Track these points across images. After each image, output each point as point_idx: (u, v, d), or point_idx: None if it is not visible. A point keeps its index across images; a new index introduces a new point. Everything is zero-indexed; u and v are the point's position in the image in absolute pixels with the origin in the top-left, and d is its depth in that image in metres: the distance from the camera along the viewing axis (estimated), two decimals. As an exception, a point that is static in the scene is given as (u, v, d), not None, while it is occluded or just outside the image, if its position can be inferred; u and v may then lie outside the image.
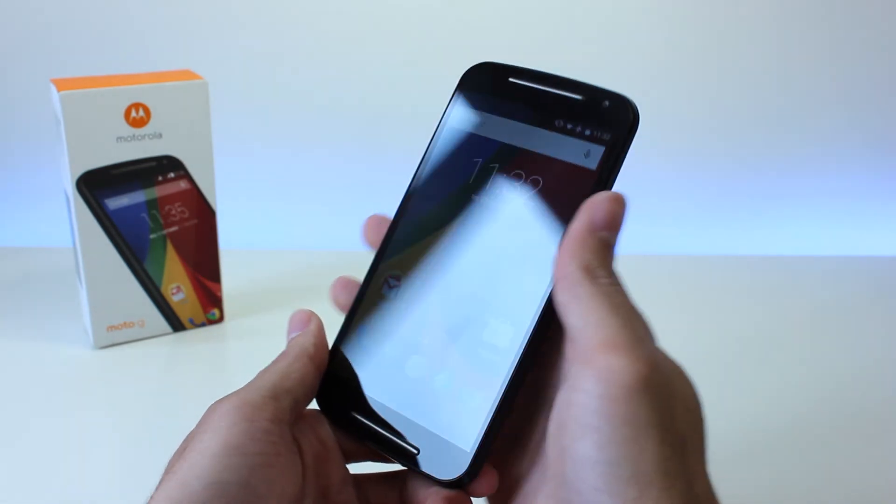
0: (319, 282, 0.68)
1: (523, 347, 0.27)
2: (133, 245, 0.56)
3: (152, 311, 0.58)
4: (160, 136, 0.54)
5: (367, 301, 0.32)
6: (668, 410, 0.24)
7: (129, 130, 0.53)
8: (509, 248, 0.29)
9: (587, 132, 0.28)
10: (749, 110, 0.75)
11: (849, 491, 0.44)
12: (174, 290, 0.58)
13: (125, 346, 0.57)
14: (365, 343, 0.31)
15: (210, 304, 0.60)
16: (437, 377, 0.29)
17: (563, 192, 0.28)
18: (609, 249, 0.28)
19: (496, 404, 0.27)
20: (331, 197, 0.78)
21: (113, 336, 0.57)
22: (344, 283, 0.33)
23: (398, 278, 0.31)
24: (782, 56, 0.73)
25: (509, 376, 0.27)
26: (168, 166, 0.55)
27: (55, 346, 0.57)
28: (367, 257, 0.34)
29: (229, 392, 0.29)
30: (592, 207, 0.27)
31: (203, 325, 0.60)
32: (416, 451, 0.29)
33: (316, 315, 0.32)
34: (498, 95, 0.31)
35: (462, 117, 0.32)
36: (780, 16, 0.72)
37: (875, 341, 0.60)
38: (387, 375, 0.30)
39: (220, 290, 0.60)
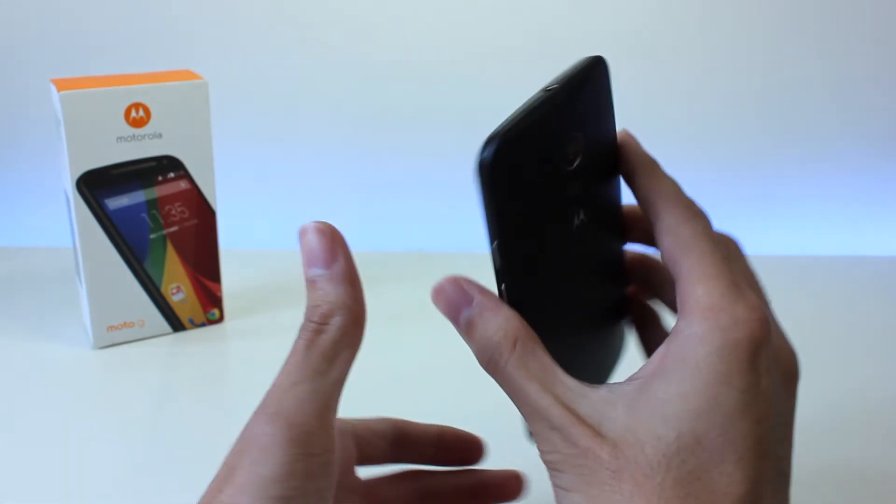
0: (319, 282, 0.68)
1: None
2: (133, 245, 0.56)
3: (152, 311, 0.58)
4: (160, 136, 0.54)
5: None
6: (587, 463, 0.24)
7: (129, 130, 0.53)
8: None
9: None
10: (749, 110, 0.75)
11: (850, 491, 0.44)
12: (174, 290, 0.58)
13: (125, 346, 0.57)
14: None
15: (210, 304, 0.60)
16: None
17: None
18: (470, 333, 0.27)
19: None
20: (331, 197, 0.78)
21: (113, 336, 0.57)
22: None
23: None
24: (785, 54, 0.73)
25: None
26: (168, 166, 0.55)
27: (55, 346, 0.57)
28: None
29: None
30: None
31: (203, 325, 0.60)
32: None
33: (341, 244, 0.28)
34: None
35: None
36: (785, 15, 0.72)
37: (877, 342, 0.60)
38: None
39: (220, 290, 0.60)
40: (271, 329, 0.60)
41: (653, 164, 0.29)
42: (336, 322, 0.27)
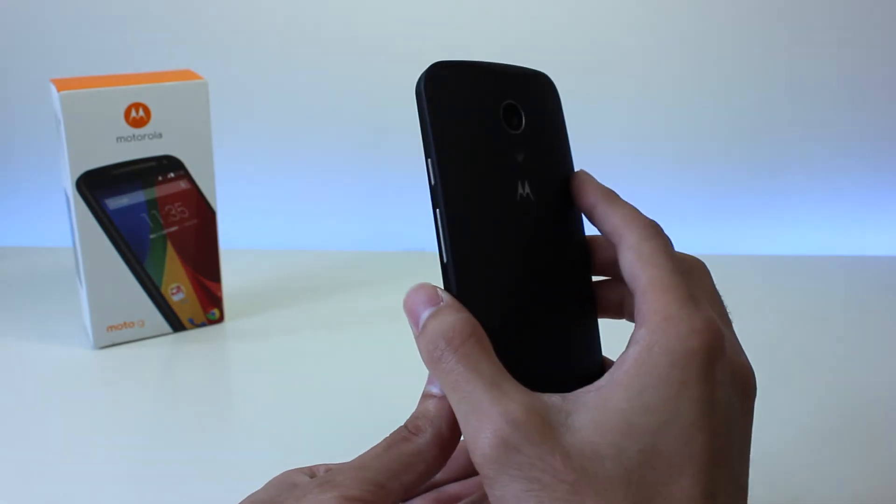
0: (319, 282, 0.68)
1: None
2: (133, 245, 0.56)
3: (152, 311, 0.58)
4: (160, 136, 0.54)
5: None
6: (537, 469, 0.23)
7: (129, 130, 0.53)
8: None
9: None
10: (749, 109, 0.75)
11: (853, 491, 0.44)
12: (174, 290, 0.58)
13: (125, 346, 0.57)
14: None
15: (210, 304, 0.60)
16: None
17: None
18: (424, 328, 0.27)
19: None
20: (331, 197, 0.78)
21: (113, 336, 0.57)
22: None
23: None
24: (788, 55, 0.73)
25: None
26: (168, 166, 0.55)
27: (55, 346, 0.57)
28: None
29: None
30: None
31: (203, 325, 0.60)
32: None
33: None
34: None
35: None
36: (789, 16, 0.72)
37: (879, 342, 0.60)
38: None
39: (220, 290, 0.60)
40: (271, 329, 0.60)
41: (612, 193, 0.30)
42: (423, 438, 0.28)
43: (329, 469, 0.29)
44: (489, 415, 0.24)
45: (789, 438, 0.48)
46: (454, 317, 0.26)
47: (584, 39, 0.73)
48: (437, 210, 0.27)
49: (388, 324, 0.61)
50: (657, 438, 0.24)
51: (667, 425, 0.24)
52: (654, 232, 0.28)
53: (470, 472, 0.34)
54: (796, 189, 0.78)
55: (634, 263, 0.27)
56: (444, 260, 0.27)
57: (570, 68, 0.72)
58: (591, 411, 0.24)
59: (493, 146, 0.28)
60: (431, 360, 0.26)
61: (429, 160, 0.27)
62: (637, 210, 0.29)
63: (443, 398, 0.28)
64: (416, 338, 0.27)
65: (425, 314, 0.27)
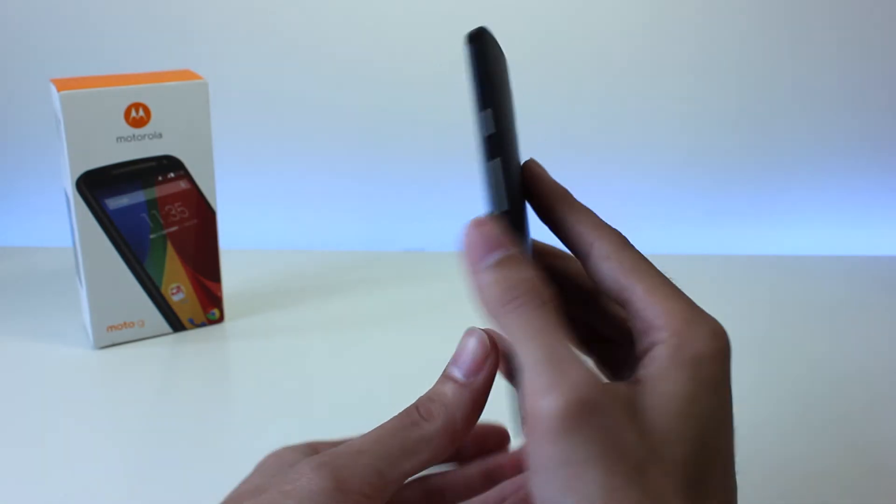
0: (319, 282, 0.68)
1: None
2: (133, 245, 0.56)
3: (152, 311, 0.58)
4: (160, 136, 0.54)
5: None
6: (613, 437, 0.22)
7: (129, 130, 0.53)
8: None
9: None
10: (749, 109, 0.75)
11: (853, 489, 0.44)
12: (174, 290, 0.58)
13: (125, 346, 0.57)
14: None
15: (210, 304, 0.60)
16: None
17: None
18: (500, 270, 0.25)
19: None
20: (331, 196, 0.78)
21: (113, 336, 0.57)
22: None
23: None
24: (788, 55, 0.73)
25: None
26: (168, 166, 0.55)
27: (55, 346, 0.57)
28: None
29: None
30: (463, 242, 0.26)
31: (203, 325, 0.60)
32: None
33: (492, 361, 0.28)
34: None
35: None
36: (789, 16, 0.72)
37: (880, 342, 0.60)
38: None
39: (220, 290, 0.60)
40: (271, 329, 0.60)
41: (568, 195, 0.29)
42: (434, 425, 0.27)
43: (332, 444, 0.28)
44: (574, 369, 0.23)
45: (788, 438, 0.48)
46: (535, 272, 0.25)
47: (586, 39, 0.73)
48: (498, 159, 0.26)
49: (389, 324, 0.61)
50: (703, 430, 0.24)
51: (709, 417, 0.24)
52: (625, 241, 0.28)
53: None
54: (796, 189, 0.78)
55: (618, 273, 0.27)
56: (502, 209, 0.26)
57: (570, 68, 0.72)
58: (645, 397, 0.24)
59: (512, 113, 0.29)
60: (504, 302, 0.25)
61: (487, 110, 0.26)
62: (597, 216, 0.28)
63: (463, 385, 0.27)
64: (477, 274, 0.25)
65: (496, 255, 0.25)
